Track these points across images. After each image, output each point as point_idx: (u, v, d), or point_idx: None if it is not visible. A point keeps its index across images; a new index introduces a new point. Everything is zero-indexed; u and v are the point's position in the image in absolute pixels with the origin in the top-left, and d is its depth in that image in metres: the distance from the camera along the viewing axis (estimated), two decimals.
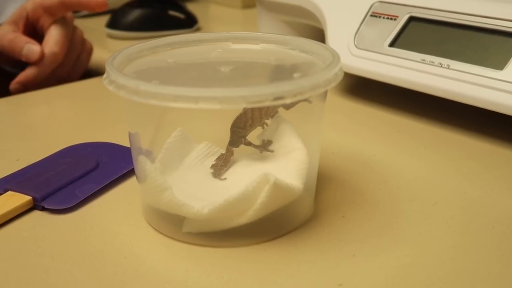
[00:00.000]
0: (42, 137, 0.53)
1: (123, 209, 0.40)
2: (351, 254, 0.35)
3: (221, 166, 0.40)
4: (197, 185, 0.39)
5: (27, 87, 0.65)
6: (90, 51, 0.73)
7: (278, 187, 0.34)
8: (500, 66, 0.46)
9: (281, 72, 0.39)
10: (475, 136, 0.50)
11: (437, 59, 0.50)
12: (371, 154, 0.48)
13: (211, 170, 0.40)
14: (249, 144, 0.39)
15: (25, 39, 0.64)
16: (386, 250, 0.35)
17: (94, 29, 0.96)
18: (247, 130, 0.39)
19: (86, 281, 0.33)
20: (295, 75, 0.36)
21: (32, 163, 0.46)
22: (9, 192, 0.41)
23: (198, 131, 0.42)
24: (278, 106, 0.38)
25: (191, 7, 0.98)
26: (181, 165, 0.41)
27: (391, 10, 0.55)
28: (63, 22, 0.68)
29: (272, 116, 0.39)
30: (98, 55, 0.81)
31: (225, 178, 0.39)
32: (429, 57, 0.50)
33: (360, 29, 0.56)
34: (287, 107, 0.38)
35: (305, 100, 0.37)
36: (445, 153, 0.48)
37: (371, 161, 0.46)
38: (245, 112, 0.38)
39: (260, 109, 0.38)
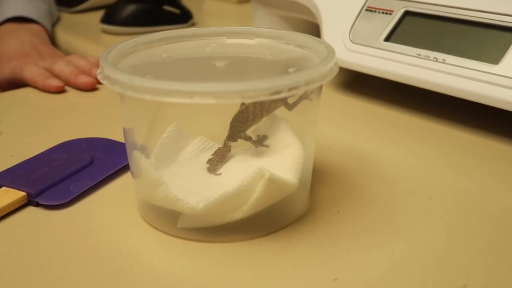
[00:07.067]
0: (37, 133, 0.53)
1: (118, 204, 0.40)
2: (346, 248, 0.35)
3: (217, 161, 0.40)
4: (192, 180, 0.39)
5: None
6: None
7: (273, 182, 0.34)
8: (495, 60, 0.46)
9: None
10: (470, 130, 0.50)
11: (432, 54, 0.50)
12: (366, 148, 0.48)
13: (207, 165, 0.40)
14: (248, 138, 0.39)
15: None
16: (381, 244, 0.35)
17: (89, 24, 0.96)
18: (248, 125, 0.39)
19: (81, 277, 0.33)
20: (290, 69, 0.36)
21: (26, 159, 0.45)
22: (3, 188, 0.40)
23: (193, 126, 0.42)
24: (279, 103, 0.38)
25: (186, 2, 0.97)
26: (176, 160, 0.40)
27: (386, 5, 0.55)
28: None
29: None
30: (93, 51, 0.81)
31: (220, 173, 0.39)
32: (424, 52, 0.50)
33: (355, 24, 0.56)
34: (290, 107, 0.38)
35: (306, 98, 0.37)
36: (441, 147, 0.48)
37: (366, 156, 0.46)
38: (247, 107, 0.38)
39: (262, 105, 0.38)
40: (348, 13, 0.57)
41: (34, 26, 0.82)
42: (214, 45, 0.42)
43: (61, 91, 0.63)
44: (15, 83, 0.69)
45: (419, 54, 0.51)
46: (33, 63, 0.69)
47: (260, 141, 0.39)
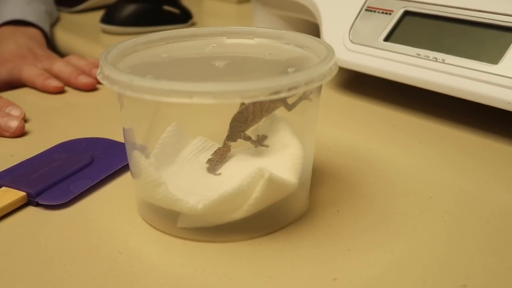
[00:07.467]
0: (36, 133, 0.53)
1: (117, 204, 0.40)
2: (346, 248, 0.35)
3: (217, 161, 0.40)
4: (192, 180, 0.39)
5: None
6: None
7: (273, 182, 0.34)
8: (495, 60, 0.46)
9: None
10: (470, 130, 0.50)
11: (432, 54, 0.50)
12: (366, 148, 0.48)
13: (207, 165, 0.40)
14: (248, 138, 0.39)
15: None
16: (381, 244, 0.35)
17: (88, 24, 0.96)
18: (247, 125, 0.39)
19: (81, 277, 0.33)
20: (290, 69, 0.36)
21: (26, 159, 0.45)
22: (3, 188, 0.41)
23: (192, 126, 0.42)
24: (279, 104, 0.38)
25: (185, 2, 0.97)
26: (175, 160, 0.41)
27: (386, 5, 0.55)
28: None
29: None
30: (92, 51, 0.81)
31: (220, 173, 0.39)
32: (424, 52, 0.50)
33: (355, 24, 0.56)
34: (289, 107, 0.38)
35: (306, 98, 0.37)
36: (440, 147, 0.48)
37: (366, 156, 0.46)
38: (246, 107, 0.38)
39: (261, 105, 0.38)
40: (348, 13, 0.57)
41: (31, 30, 0.82)
42: (214, 45, 0.42)
43: (60, 91, 0.63)
44: (12, 84, 0.68)
45: (418, 54, 0.51)
46: (30, 64, 0.69)
47: (260, 141, 0.39)
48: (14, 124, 0.52)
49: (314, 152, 0.39)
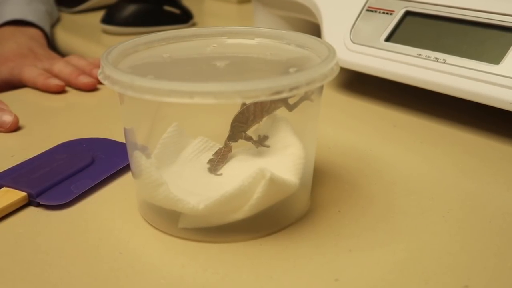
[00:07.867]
0: (37, 133, 0.53)
1: (118, 204, 0.40)
2: (347, 249, 0.35)
3: (218, 162, 0.40)
4: (193, 180, 0.39)
5: None
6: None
7: (274, 182, 0.34)
8: (496, 60, 0.46)
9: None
10: (471, 130, 0.50)
11: (433, 54, 0.50)
12: (367, 148, 0.48)
13: (208, 165, 0.40)
14: (249, 139, 0.39)
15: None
16: (382, 244, 0.35)
17: (89, 24, 0.96)
18: (248, 125, 0.39)
19: (82, 277, 0.33)
20: (291, 69, 0.36)
21: (27, 159, 0.45)
22: (4, 188, 0.40)
23: (193, 126, 0.42)
24: (280, 104, 0.38)
25: (186, 2, 0.97)
26: (176, 160, 0.40)
27: (387, 5, 0.55)
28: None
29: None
30: (93, 51, 0.81)
31: (221, 174, 0.39)
32: (425, 52, 0.50)
33: (356, 24, 0.56)
34: (291, 108, 0.38)
35: (307, 99, 0.37)
36: (442, 147, 0.48)
37: (367, 156, 0.46)
38: (247, 107, 0.38)
39: (262, 105, 0.38)
40: (349, 13, 0.57)
41: (32, 30, 0.82)
42: (215, 45, 0.42)
43: (61, 91, 0.63)
44: (12, 84, 0.69)
45: (419, 54, 0.51)
46: (31, 64, 0.69)
47: (261, 141, 0.39)
48: (8, 119, 0.53)
49: (315, 152, 0.39)
